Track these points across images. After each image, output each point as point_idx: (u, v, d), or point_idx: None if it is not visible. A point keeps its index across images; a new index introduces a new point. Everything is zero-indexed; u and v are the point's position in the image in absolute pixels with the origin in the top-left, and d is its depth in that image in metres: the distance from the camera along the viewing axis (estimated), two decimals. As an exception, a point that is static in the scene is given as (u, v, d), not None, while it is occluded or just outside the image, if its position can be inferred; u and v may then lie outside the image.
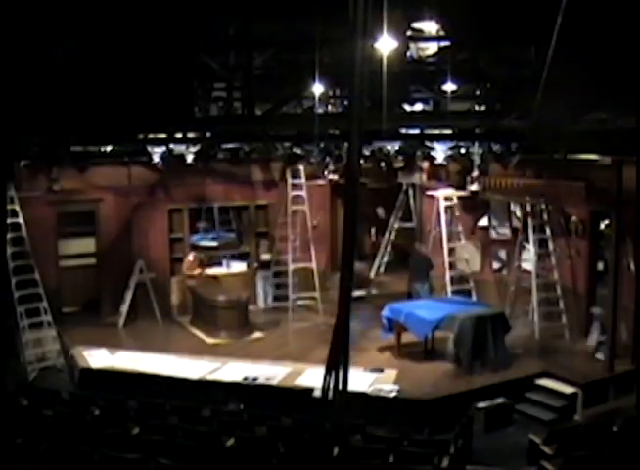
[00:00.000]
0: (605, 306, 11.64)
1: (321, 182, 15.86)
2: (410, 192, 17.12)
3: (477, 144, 12.68)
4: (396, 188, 17.12)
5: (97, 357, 12.22)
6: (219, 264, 14.97)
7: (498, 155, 13.04)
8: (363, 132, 4.32)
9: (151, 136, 11.84)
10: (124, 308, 14.09)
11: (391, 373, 11.40)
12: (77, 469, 6.43)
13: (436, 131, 11.44)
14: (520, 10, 6.91)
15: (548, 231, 13.24)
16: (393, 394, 10.53)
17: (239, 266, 15.07)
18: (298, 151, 14.54)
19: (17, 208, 12.59)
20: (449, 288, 14.48)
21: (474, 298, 14.35)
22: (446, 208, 14.62)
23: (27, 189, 13.43)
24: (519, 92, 8.97)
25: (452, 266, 14.64)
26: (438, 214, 14.71)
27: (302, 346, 12.96)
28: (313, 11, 7.09)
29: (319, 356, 11.10)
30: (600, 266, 13.17)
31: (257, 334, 13.69)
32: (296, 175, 14.88)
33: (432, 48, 8.58)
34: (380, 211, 16.02)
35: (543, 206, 13.23)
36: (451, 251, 14.72)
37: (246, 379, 11.12)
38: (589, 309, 12.83)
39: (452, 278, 14.54)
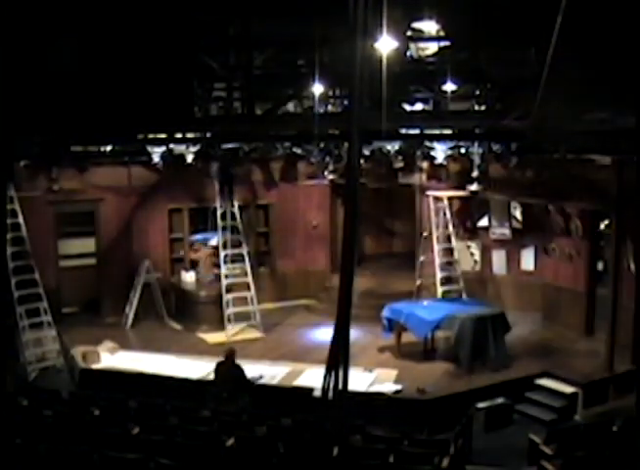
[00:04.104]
0: (605, 307, 11.63)
1: (321, 182, 15.86)
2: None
3: (477, 144, 12.67)
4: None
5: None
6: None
7: (498, 155, 13.04)
8: (363, 132, 4.32)
9: (151, 136, 11.86)
10: (131, 309, 14.07)
11: (391, 373, 11.40)
12: (77, 469, 6.43)
13: (436, 131, 11.45)
14: (519, 10, 6.91)
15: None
16: (393, 393, 10.54)
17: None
18: (298, 151, 14.54)
19: (17, 208, 12.58)
20: (439, 288, 14.48)
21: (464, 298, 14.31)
22: (437, 208, 14.63)
23: (27, 189, 13.44)
24: (519, 92, 8.98)
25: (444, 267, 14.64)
26: (437, 215, 14.72)
27: (302, 346, 12.96)
28: (313, 11, 7.10)
29: (319, 356, 11.13)
30: (600, 266, 13.18)
31: (257, 334, 13.69)
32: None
33: (432, 48, 8.59)
34: None
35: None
36: (448, 251, 14.72)
37: (250, 379, 11.10)
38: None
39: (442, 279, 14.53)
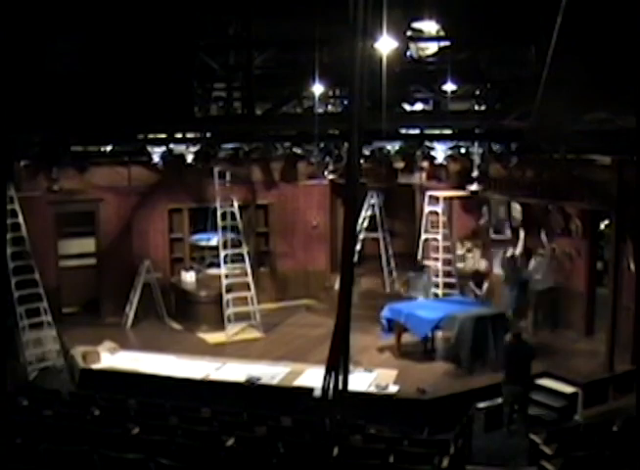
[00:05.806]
0: (605, 307, 11.63)
1: (321, 182, 15.86)
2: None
3: (477, 144, 12.68)
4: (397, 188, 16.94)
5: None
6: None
7: (498, 155, 13.04)
8: (363, 132, 4.32)
9: (151, 136, 11.85)
10: (131, 309, 14.12)
11: (391, 373, 11.41)
12: (77, 469, 6.43)
13: (436, 131, 11.43)
14: (520, 10, 6.91)
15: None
16: (393, 393, 10.54)
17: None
18: (298, 151, 14.55)
19: (17, 208, 12.59)
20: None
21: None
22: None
23: (27, 189, 13.45)
24: (519, 92, 8.98)
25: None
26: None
27: (302, 346, 12.96)
28: (313, 11, 7.09)
29: (319, 356, 11.13)
30: (600, 266, 13.18)
31: (257, 334, 13.70)
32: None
33: (432, 48, 8.58)
34: None
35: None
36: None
37: (249, 379, 11.10)
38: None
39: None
